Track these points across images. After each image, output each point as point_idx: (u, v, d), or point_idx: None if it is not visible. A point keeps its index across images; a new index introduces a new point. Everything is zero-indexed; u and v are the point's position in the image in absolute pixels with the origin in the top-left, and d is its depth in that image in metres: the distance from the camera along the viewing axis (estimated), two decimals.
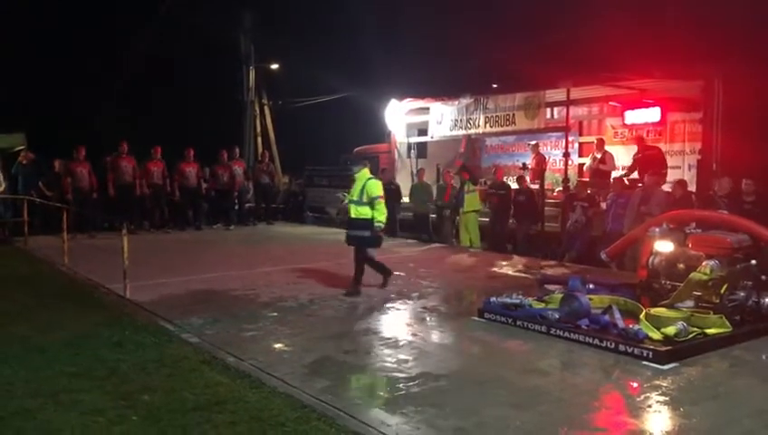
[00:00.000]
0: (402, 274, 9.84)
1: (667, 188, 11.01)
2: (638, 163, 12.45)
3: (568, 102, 12.89)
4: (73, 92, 24.63)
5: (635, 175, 12.48)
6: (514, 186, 13.40)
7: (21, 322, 6.92)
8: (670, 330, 5.70)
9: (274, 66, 24.96)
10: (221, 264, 10.63)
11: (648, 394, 4.80)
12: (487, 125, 14.23)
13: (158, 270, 9.79)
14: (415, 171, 15.87)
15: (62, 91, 24.43)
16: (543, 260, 11.41)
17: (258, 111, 24.73)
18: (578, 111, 14.27)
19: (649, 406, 4.60)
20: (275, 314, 7.34)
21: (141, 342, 6.12)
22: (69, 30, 24.94)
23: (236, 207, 16.77)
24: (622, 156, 13.70)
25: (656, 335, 5.70)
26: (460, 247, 12.95)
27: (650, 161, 11.99)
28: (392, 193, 15.23)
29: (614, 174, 12.80)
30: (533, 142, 14.90)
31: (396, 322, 7.23)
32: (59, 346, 5.98)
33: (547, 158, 14.92)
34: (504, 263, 10.98)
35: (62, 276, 9.69)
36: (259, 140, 24.72)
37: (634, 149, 13.15)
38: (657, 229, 7.17)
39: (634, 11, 18.48)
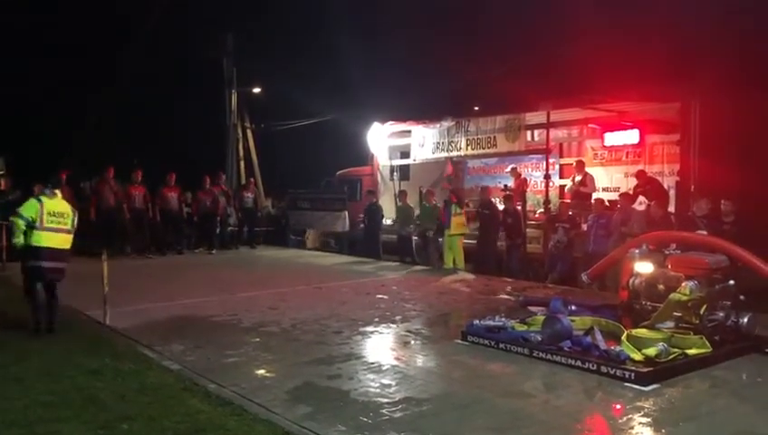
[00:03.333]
0: (385, 297, 9.84)
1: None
2: (640, 195, 12.35)
3: (548, 125, 13.01)
4: (52, 118, 24.53)
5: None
6: (500, 207, 13.41)
7: None
8: (651, 351, 5.73)
9: (257, 90, 25.01)
10: (203, 289, 10.55)
11: (630, 416, 4.82)
12: (469, 147, 14.34)
13: (138, 296, 9.68)
14: (398, 194, 15.91)
15: (40, 116, 24.33)
16: (526, 281, 11.45)
17: (241, 135, 24.72)
18: (558, 134, 14.38)
19: (632, 428, 4.61)
20: (257, 339, 7.29)
21: (121, 369, 6.03)
22: (48, 55, 24.89)
23: (218, 231, 16.68)
24: (602, 177, 13.83)
25: (637, 356, 5.73)
26: (444, 270, 12.95)
27: (652, 193, 11.95)
28: (374, 214, 15.30)
29: (594, 195, 12.89)
30: (512, 167, 15.00)
31: (379, 346, 7.21)
32: (35, 375, 5.89)
33: (528, 179, 15.02)
34: (487, 284, 10.99)
35: None
36: (242, 163, 24.70)
37: (614, 170, 13.26)
38: (637, 251, 7.23)
39: (612, 35, 18.78)
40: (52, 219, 7.65)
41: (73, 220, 7.88)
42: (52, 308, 7.67)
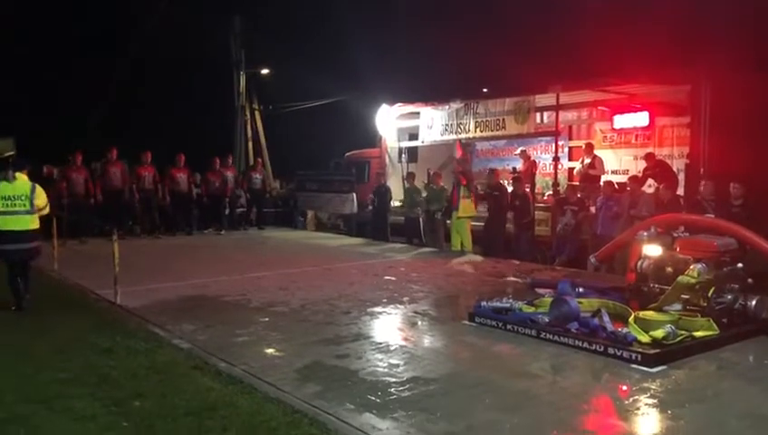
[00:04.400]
0: (393, 278, 9.89)
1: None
2: (649, 177, 12.31)
3: (558, 107, 12.97)
4: (63, 98, 24.60)
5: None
6: (509, 189, 13.39)
7: (11, 328, 6.91)
8: (659, 333, 5.75)
9: (265, 71, 24.99)
10: (212, 269, 10.63)
11: (636, 397, 4.85)
12: (478, 130, 14.30)
13: (148, 276, 9.78)
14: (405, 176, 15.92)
15: (51, 97, 24.39)
16: (534, 264, 11.47)
17: (249, 116, 24.74)
18: (567, 116, 14.35)
19: (638, 409, 4.65)
20: (267, 319, 7.36)
21: (132, 348, 6.12)
22: (59, 35, 24.91)
23: (227, 211, 16.77)
24: (611, 160, 13.80)
25: (644, 338, 5.75)
26: (451, 252, 12.99)
27: (661, 176, 11.90)
28: (383, 196, 15.32)
29: (603, 178, 12.87)
30: (521, 149, 14.97)
31: (387, 326, 7.26)
32: (49, 353, 5.99)
33: (537, 162, 15.00)
34: (495, 266, 11.02)
35: (52, 282, 9.65)
36: (250, 145, 24.75)
37: (623, 152, 13.22)
38: (646, 233, 7.24)
39: (622, 17, 18.61)
40: (6, 203, 7.78)
41: (31, 200, 7.93)
42: (24, 286, 7.90)
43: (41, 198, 8.07)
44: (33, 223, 8.00)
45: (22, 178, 8.10)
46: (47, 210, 8.31)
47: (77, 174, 14.39)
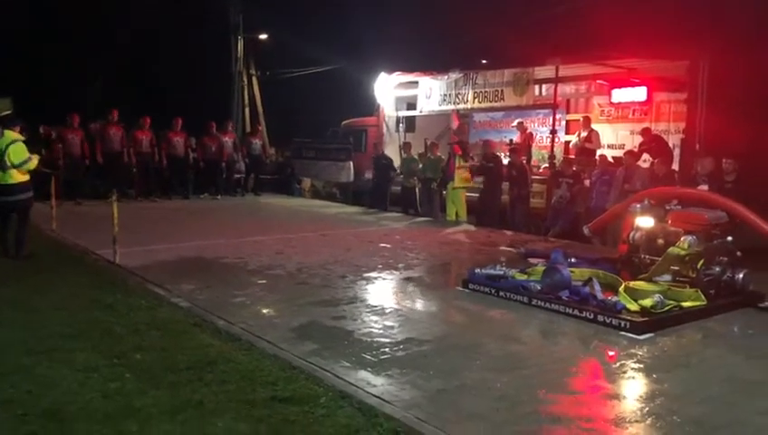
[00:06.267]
0: (389, 246, 10.01)
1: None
2: (645, 152, 12.39)
3: (556, 80, 13.00)
4: (62, 61, 24.42)
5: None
6: (505, 161, 13.46)
7: (11, 284, 7.01)
8: (647, 302, 5.91)
9: (263, 37, 24.80)
10: (210, 232, 10.73)
11: (623, 362, 5.00)
12: (476, 100, 14.32)
13: (146, 237, 9.86)
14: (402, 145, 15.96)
15: (50, 59, 24.21)
16: (528, 235, 11.60)
17: (246, 82, 24.62)
18: (566, 89, 14.39)
19: (624, 372, 4.80)
20: (264, 281, 7.48)
21: (133, 305, 6.23)
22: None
23: (224, 176, 16.79)
24: (608, 134, 13.88)
25: (633, 307, 5.90)
26: (447, 221, 13.11)
27: (657, 150, 11.98)
28: (384, 167, 15.38)
29: (599, 152, 12.96)
30: (518, 121, 15.02)
31: (382, 291, 7.39)
32: (51, 308, 6.09)
33: (534, 134, 15.06)
34: (489, 236, 11.15)
35: (51, 241, 9.72)
36: (247, 111, 24.66)
37: (620, 127, 13.30)
38: (639, 206, 7.36)
39: None
40: None
41: (7, 154, 8.11)
42: (15, 238, 8.32)
43: (15, 154, 8.19)
44: (12, 178, 8.20)
45: (8, 136, 8.25)
46: (30, 166, 8.38)
47: (73, 135, 14.34)
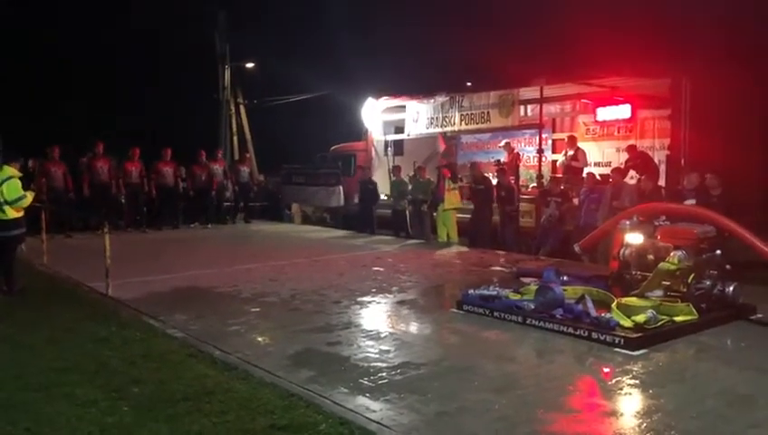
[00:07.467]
0: (381, 269, 10.03)
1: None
2: (631, 169, 12.49)
3: (541, 100, 13.13)
4: (46, 91, 24.45)
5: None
6: (494, 181, 13.56)
7: (3, 320, 6.97)
8: (640, 318, 5.96)
9: (250, 65, 24.99)
10: (202, 262, 10.72)
11: (619, 378, 5.04)
12: (463, 123, 14.46)
13: (138, 268, 9.83)
14: (392, 168, 16.06)
15: (33, 90, 24.22)
16: (519, 254, 11.66)
17: (234, 110, 24.76)
18: (551, 109, 14.52)
19: (620, 389, 4.84)
20: (258, 308, 7.48)
21: (127, 337, 6.22)
22: (44, 30, 24.75)
23: (215, 204, 16.78)
24: (594, 152, 14.02)
25: (627, 323, 5.95)
26: (438, 243, 13.16)
27: (643, 167, 12.09)
28: (370, 193, 15.46)
29: (586, 170, 13.08)
30: (505, 141, 15.15)
31: (377, 315, 7.41)
32: (45, 343, 6.08)
33: (521, 154, 15.19)
34: (481, 257, 11.20)
35: (43, 275, 9.69)
36: (235, 139, 24.77)
37: (606, 145, 13.46)
38: (628, 222, 7.44)
39: (605, 11, 18.86)
40: None
41: (1, 191, 8.12)
42: (3, 273, 8.30)
43: (9, 191, 8.19)
44: (6, 214, 8.19)
45: (6, 171, 8.27)
46: (24, 203, 8.35)
47: (55, 168, 14.29)
